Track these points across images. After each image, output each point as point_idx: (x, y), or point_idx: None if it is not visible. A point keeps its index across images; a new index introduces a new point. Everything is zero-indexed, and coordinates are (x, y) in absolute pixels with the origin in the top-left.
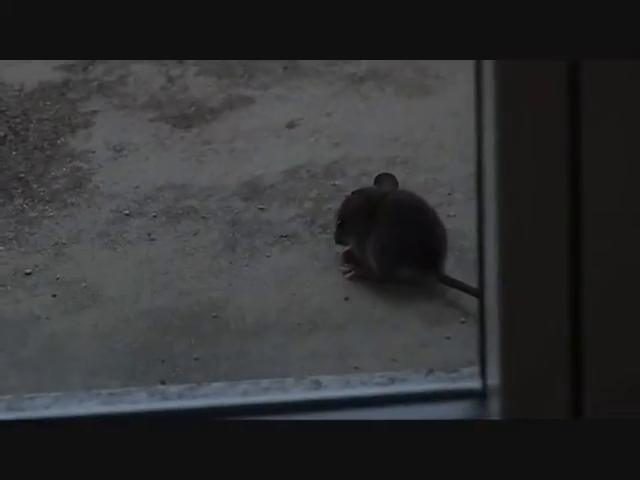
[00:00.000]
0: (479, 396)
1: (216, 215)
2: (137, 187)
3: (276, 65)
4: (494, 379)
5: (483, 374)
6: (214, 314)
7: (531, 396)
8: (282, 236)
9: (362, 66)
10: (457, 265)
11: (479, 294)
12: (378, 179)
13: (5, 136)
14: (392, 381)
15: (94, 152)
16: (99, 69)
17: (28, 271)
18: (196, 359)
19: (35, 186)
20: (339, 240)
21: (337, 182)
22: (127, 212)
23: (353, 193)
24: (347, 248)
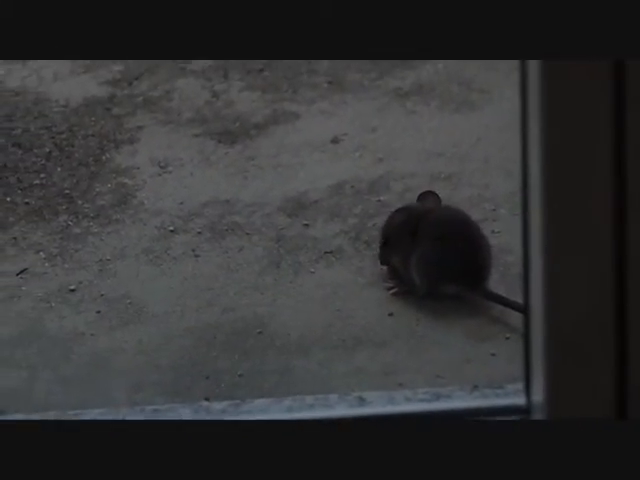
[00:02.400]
0: (524, 412)
1: (260, 231)
2: (182, 203)
3: (321, 80)
4: (539, 395)
5: (528, 390)
6: (258, 330)
7: (575, 412)
8: (326, 252)
9: (407, 80)
10: (501, 281)
11: (524, 310)
12: (421, 197)
13: (50, 152)
14: (437, 397)
15: (139, 168)
16: (144, 84)
17: (72, 287)
18: (240, 375)
19: (80, 202)
20: (384, 260)
21: (382, 198)
22: (172, 228)
23: (396, 210)
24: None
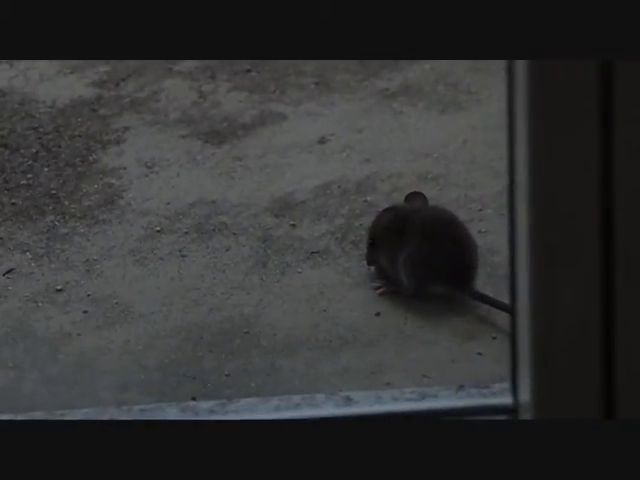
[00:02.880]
0: (510, 412)
1: (247, 231)
2: (168, 203)
3: (308, 80)
4: (525, 395)
5: (514, 390)
6: (245, 330)
7: (562, 412)
8: (313, 252)
9: (394, 81)
10: (488, 281)
11: (510, 310)
12: (407, 198)
13: (37, 152)
14: (423, 397)
15: (125, 169)
16: (131, 85)
17: (59, 287)
18: (227, 375)
19: (66, 203)
20: (371, 260)
21: (369, 198)
22: (158, 229)
23: (383, 210)
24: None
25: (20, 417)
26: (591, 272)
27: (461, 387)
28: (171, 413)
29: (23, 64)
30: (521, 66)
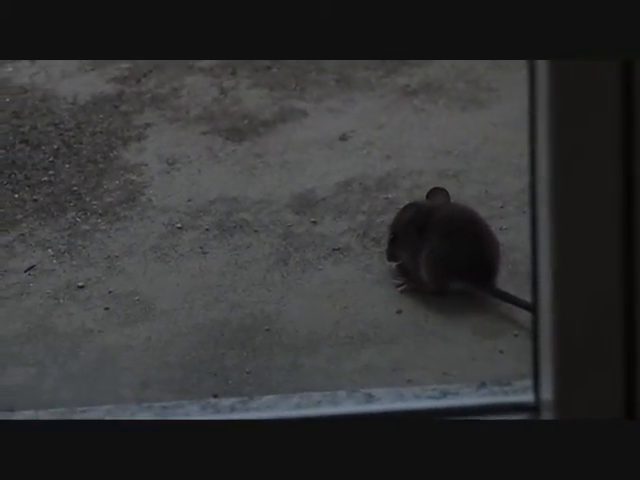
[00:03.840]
0: (532, 410)
1: (268, 228)
2: (189, 200)
3: (329, 77)
4: (547, 392)
5: (536, 387)
6: (266, 327)
7: (584, 411)
8: (334, 249)
9: (415, 78)
10: (510, 278)
11: (531, 307)
12: (430, 194)
13: (58, 149)
14: (445, 394)
15: (147, 165)
16: (152, 82)
17: (80, 284)
18: (248, 372)
19: (88, 199)
20: (391, 256)
21: (389, 195)
22: (179, 225)
23: (405, 207)
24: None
25: (42, 414)
26: (613, 269)
27: (482, 385)
28: (192, 410)
29: (44, 61)
30: (542, 64)
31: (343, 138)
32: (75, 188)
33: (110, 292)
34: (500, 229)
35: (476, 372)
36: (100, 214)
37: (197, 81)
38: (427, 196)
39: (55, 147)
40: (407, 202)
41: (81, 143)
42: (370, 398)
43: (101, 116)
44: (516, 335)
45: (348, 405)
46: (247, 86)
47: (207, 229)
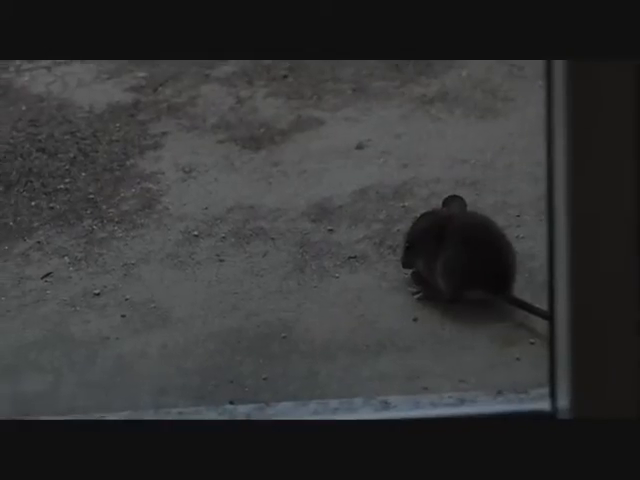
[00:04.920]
0: (549, 417)
1: (285, 236)
2: (206, 208)
3: (345, 86)
4: (564, 400)
5: (553, 395)
6: (283, 335)
7: (601, 416)
8: (351, 257)
9: (431, 87)
10: (526, 286)
11: (548, 316)
12: (446, 202)
13: (74, 157)
14: (461, 402)
15: (163, 173)
16: (168, 90)
17: (97, 291)
18: (265, 379)
19: (104, 207)
20: (406, 264)
21: (406, 203)
22: (196, 233)
23: (421, 215)
24: (415, 270)
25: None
26: (629, 277)
27: (499, 392)
28: (209, 416)
29: (61, 69)
30: (559, 72)
31: (360, 147)
32: (91, 196)
33: (127, 299)
34: (517, 237)
35: (493, 380)
36: (117, 222)
37: (213, 90)
38: (443, 204)
39: (72, 155)
40: (423, 211)
41: (97, 151)
42: (386, 405)
43: (117, 125)
44: (532, 343)
45: (365, 412)
46: (264, 95)
47: (224, 237)
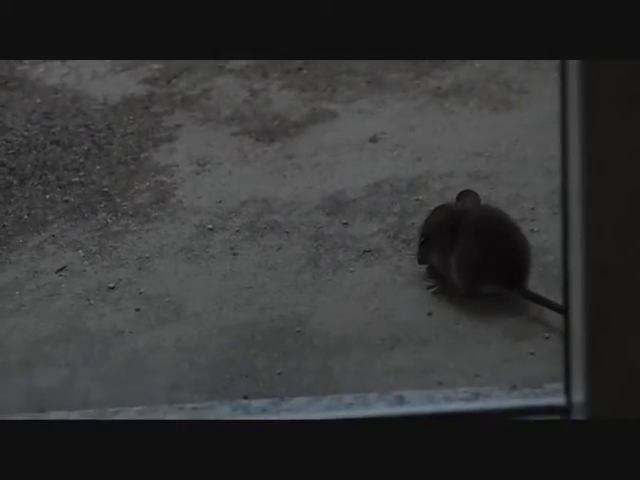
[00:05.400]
0: (563, 412)
1: (299, 230)
2: (220, 201)
3: (359, 79)
4: (579, 395)
5: (568, 390)
6: (297, 329)
7: (616, 413)
8: (365, 251)
9: (446, 80)
10: (540, 280)
11: (563, 310)
12: (460, 196)
13: (89, 150)
14: (476, 397)
15: (177, 166)
16: (183, 83)
17: (111, 285)
18: (279, 374)
19: (118, 200)
20: (422, 259)
21: (420, 197)
22: (210, 226)
23: (436, 209)
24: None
25: (74, 415)
26: None
27: (514, 387)
28: (223, 411)
29: (75, 62)
30: (574, 64)
31: (374, 140)
32: (106, 189)
33: (141, 293)
34: (531, 231)
35: (507, 374)
36: (131, 215)
37: (227, 82)
38: (457, 198)
39: (86, 148)
40: (438, 204)
41: (112, 144)
42: (401, 400)
43: (132, 117)
44: (547, 337)
45: (379, 407)
46: (278, 87)
47: (238, 230)
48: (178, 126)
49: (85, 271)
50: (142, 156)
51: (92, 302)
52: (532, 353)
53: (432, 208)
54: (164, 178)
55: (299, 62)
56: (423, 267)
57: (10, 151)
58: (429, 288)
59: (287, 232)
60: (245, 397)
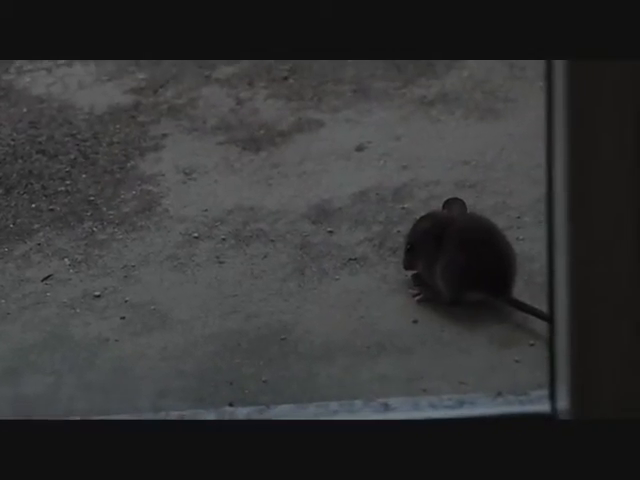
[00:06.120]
0: (548, 419)
1: (285, 238)
2: (206, 210)
3: (345, 88)
4: (563, 402)
5: (552, 397)
6: (282, 337)
7: (601, 418)
8: (351, 259)
9: (432, 89)
10: (526, 288)
11: (548, 317)
12: (447, 204)
13: (75, 159)
14: (461, 404)
15: (163, 175)
16: (169, 92)
17: (97, 293)
18: (264, 381)
19: (104, 209)
20: (407, 265)
21: (406, 205)
22: (196, 235)
23: (422, 217)
24: (415, 271)
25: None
26: (629, 279)
27: (499, 394)
28: (208, 419)
29: (61, 71)
30: (559, 73)
31: (360, 148)
32: (92, 198)
33: (126, 301)
34: (517, 239)
35: (492, 382)
36: (117, 224)
37: (214, 92)
38: (443, 206)
39: (72, 157)
40: (423, 212)
41: (98, 153)
42: (386, 407)
43: (118, 126)
44: (532, 345)
45: (365, 414)
46: (264, 97)
47: (223, 239)
48: (164, 135)
49: (71, 279)
50: (128, 165)
51: (78, 310)
52: (517, 360)
53: (418, 216)
54: (150, 187)
55: (285, 71)
56: (409, 274)
57: None
58: (414, 296)
59: (273, 240)
60: (231, 404)
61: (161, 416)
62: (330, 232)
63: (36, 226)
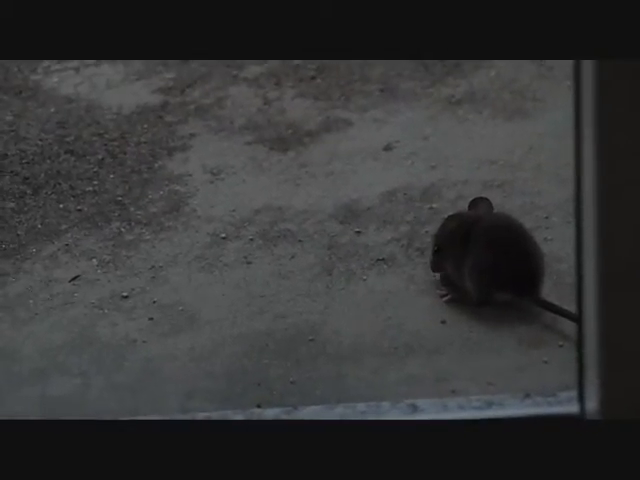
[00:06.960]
0: (577, 420)
1: (313, 238)
2: (234, 210)
3: (373, 87)
4: (592, 403)
5: (581, 398)
6: (310, 337)
7: (631, 419)
8: (379, 259)
9: (459, 88)
10: (554, 289)
11: (576, 318)
12: (473, 203)
13: (103, 159)
14: (489, 405)
15: (191, 175)
16: (196, 92)
17: (125, 294)
18: (292, 382)
19: (132, 209)
20: (436, 267)
21: (434, 205)
22: (224, 235)
23: (449, 217)
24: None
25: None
26: None
27: (527, 395)
28: (236, 420)
29: (89, 71)
30: (588, 72)
31: (387, 148)
32: (119, 198)
33: (154, 302)
34: (545, 239)
35: (520, 383)
36: (144, 224)
37: (241, 91)
38: (469, 206)
39: (100, 157)
40: (451, 212)
41: (125, 153)
42: (414, 409)
43: (145, 126)
44: (561, 345)
45: (392, 415)
46: (291, 96)
47: (251, 239)
48: (192, 135)
49: (99, 280)
50: (156, 165)
51: (105, 311)
52: (545, 361)
53: (445, 216)
54: (178, 187)
55: (313, 71)
56: (437, 275)
57: (24, 160)
58: (442, 296)
59: (300, 241)
60: (258, 406)
61: (189, 417)
62: (358, 232)
63: (64, 226)
